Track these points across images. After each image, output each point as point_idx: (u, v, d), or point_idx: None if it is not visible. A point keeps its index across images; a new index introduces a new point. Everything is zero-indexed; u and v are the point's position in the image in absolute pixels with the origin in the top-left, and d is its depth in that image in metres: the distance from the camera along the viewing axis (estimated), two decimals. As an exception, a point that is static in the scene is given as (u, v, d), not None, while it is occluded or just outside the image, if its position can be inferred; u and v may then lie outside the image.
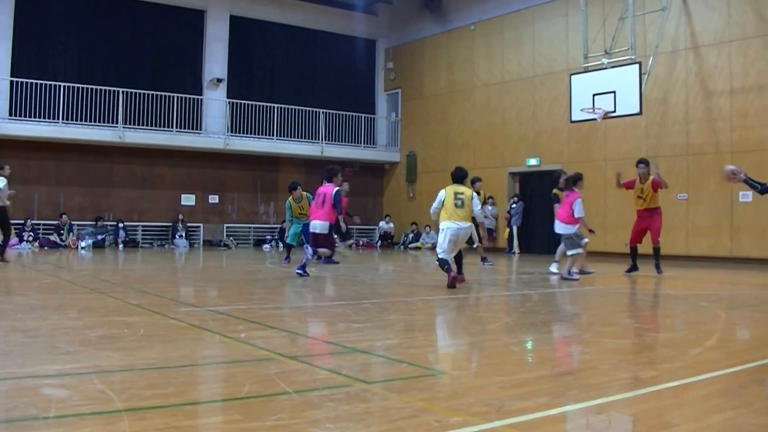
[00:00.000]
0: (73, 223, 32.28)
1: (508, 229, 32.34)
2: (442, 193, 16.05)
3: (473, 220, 16.35)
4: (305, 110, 37.56)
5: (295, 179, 23.40)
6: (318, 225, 16.91)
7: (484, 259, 23.14)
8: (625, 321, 10.97)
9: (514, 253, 30.77)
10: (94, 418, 4.78)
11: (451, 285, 15.13)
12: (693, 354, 8.10)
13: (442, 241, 15.72)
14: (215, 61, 36.63)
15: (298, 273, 17.11)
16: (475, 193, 16.45)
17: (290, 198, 22.91)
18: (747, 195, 24.85)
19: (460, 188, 16.27)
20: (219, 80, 36.33)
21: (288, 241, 23.61)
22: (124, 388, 5.70)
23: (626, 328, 10.04)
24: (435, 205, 15.99)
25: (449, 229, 15.68)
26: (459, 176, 16.65)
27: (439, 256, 15.67)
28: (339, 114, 38.82)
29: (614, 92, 24.87)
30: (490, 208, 32.70)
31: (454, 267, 15.93)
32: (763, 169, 23.62)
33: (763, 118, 24.97)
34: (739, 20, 25.52)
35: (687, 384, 6.33)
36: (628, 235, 27.30)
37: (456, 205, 15.78)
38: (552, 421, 5.07)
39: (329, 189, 17.01)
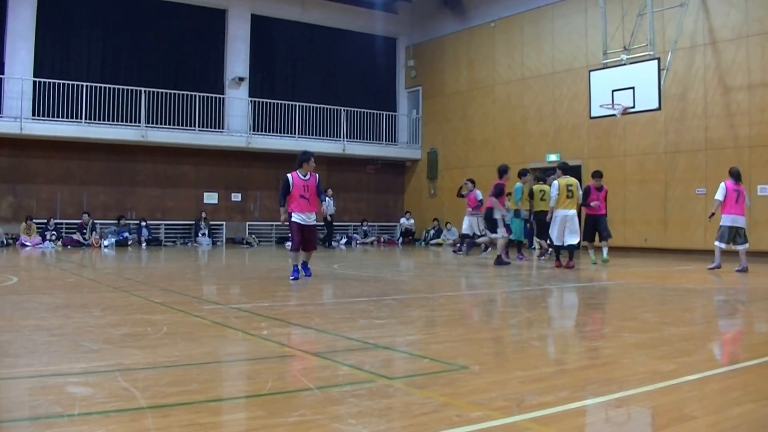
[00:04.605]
0: (96, 222, 32.33)
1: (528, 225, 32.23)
2: (555, 185, 19.79)
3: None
4: (327, 108, 37.53)
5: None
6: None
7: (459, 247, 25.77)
8: (645, 315, 10.95)
9: (534, 248, 30.69)
10: (118, 416, 4.85)
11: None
12: (712, 347, 8.14)
13: (554, 227, 19.85)
14: (237, 60, 36.67)
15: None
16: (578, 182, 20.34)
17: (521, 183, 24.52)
18: (765, 189, 24.80)
19: (570, 180, 19.89)
20: (241, 79, 36.34)
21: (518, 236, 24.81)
22: (148, 385, 5.78)
23: (646, 322, 10.04)
24: (553, 194, 19.99)
25: (558, 216, 19.74)
26: (566, 168, 20.53)
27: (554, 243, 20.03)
28: (360, 112, 38.79)
29: (633, 88, 24.83)
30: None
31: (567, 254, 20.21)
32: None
33: (782, 113, 24.89)
34: (758, 15, 25.39)
35: (706, 377, 6.37)
36: (647, 230, 27.43)
37: (567, 196, 19.68)
38: (572, 415, 5.12)
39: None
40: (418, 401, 5.38)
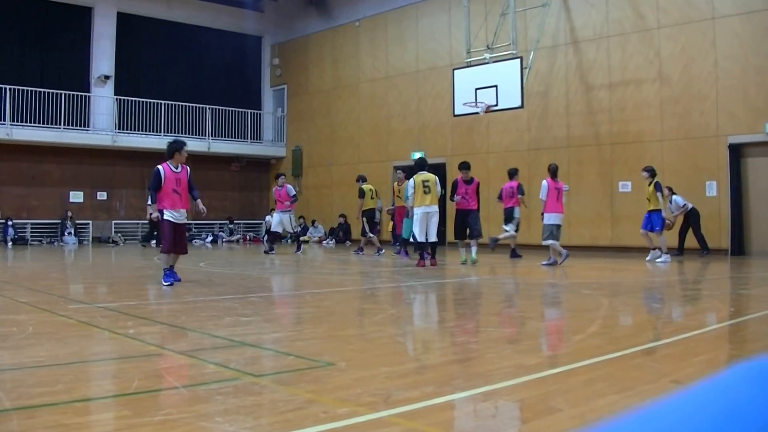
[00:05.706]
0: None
1: (392, 223, 32.23)
2: (411, 183, 19.18)
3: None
4: (192, 106, 37.36)
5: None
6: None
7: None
8: (508, 310, 11.16)
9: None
10: (-18, 418, 4.76)
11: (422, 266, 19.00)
12: (576, 340, 8.30)
13: (415, 224, 19.12)
14: (102, 58, 36.19)
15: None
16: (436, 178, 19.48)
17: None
18: (626, 185, 25.55)
19: (427, 176, 19.22)
20: (106, 77, 35.90)
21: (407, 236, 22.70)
22: (13, 387, 5.67)
23: (510, 317, 10.22)
24: (408, 193, 19.40)
25: (419, 213, 18.98)
26: (422, 165, 19.79)
27: (417, 240, 19.18)
28: (225, 110, 38.79)
29: (496, 86, 25.13)
30: (379, 203, 32.88)
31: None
32: (641, 160, 24.16)
33: (641, 111, 25.63)
34: (617, 16, 26.15)
35: (570, 370, 6.49)
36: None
37: (424, 192, 18.95)
38: (439, 409, 5.17)
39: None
40: (285, 398, 5.40)
